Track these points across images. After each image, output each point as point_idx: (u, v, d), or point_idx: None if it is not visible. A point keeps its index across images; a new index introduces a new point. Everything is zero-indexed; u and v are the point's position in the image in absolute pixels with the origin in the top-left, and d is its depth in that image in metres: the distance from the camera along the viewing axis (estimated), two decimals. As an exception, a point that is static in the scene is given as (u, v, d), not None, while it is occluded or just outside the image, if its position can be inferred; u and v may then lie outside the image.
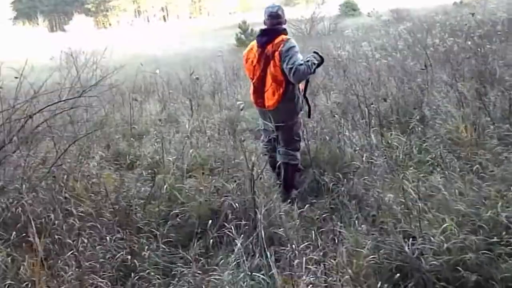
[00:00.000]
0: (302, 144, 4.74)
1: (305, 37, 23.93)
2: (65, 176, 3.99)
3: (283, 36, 4.32)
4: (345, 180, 4.22)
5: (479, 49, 7.48)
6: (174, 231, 3.79)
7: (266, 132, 4.66)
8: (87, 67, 8.15)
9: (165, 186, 4.22)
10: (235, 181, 3.97)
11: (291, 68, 4.10)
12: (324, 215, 3.95)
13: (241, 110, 4.82)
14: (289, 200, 4.23)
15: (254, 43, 4.47)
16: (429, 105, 5.87)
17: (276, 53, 4.21)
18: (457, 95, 5.56)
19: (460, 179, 3.73)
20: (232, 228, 3.34)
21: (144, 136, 6.96)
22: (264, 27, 4.47)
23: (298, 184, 4.68)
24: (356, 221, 3.49)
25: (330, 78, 8.36)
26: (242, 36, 25.22)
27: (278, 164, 4.49)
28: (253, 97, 4.54)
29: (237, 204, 3.66)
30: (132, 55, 28.36)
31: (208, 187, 4.10)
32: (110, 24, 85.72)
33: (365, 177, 4.14)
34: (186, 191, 4.22)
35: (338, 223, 3.64)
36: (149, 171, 4.95)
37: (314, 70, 4.32)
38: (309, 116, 4.85)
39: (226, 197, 3.83)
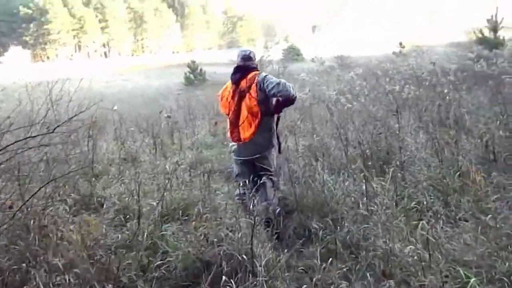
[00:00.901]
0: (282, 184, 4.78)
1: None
2: (33, 222, 3.53)
3: (255, 72, 4.59)
4: (338, 227, 4.02)
5: (440, 97, 7.71)
6: (158, 285, 3.41)
7: (241, 176, 4.67)
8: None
9: (145, 233, 3.83)
10: (227, 228, 3.64)
11: (278, 84, 4.28)
12: (321, 265, 3.73)
13: (232, 152, 4.62)
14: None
15: (228, 82, 4.69)
16: (403, 150, 5.88)
17: (253, 85, 4.44)
18: (434, 142, 5.58)
19: (459, 228, 3.63)
20: (232, 283, 3.01)
21: (103, 176, 6.50)
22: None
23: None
24: (363, 273, 3.27)
25: (295, 121, 8.29)
26: (191, 75, 25.11)
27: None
28: (229, 131, 4.68)
29: (234, 254, 3.34)
30: (75, 90, 27.59)
31: (196, 234, 3.75)
32: (48, 58, 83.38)
33: (361, 225, 3.95)
34: (168, 238, 3.85)
35: (336, 275, 3.42)
36: (121, 215, 4.54)
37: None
38: (279, 152, 4.84)
39: (219, 246, 3.50)
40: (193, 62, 25.38)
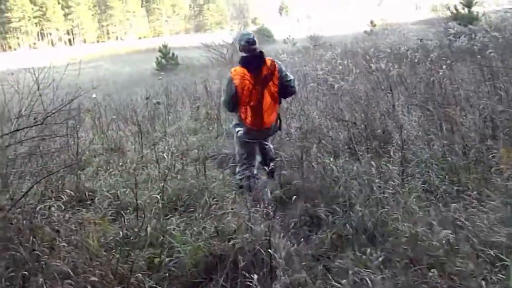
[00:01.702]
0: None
1: (227, 62, 23.82)
2: (25, 222, 3.23)
3: (270, 58, 4.70)
4: (348, 211, 3.85)
5: (428, 74, 7.60)
6: (168, 283, 3.18)
7: (250, 157, 4.89)
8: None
9: (147, 228, 3.57)
10: (240, 219, 3.42)
11: (292, 80, 4.82)
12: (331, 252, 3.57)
13: (240, 136, 4.68)
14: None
15: (242, 70, 4.53)
16: (399, 128, 5.74)
17: (276, 73, 4.60)
18: (433, 119, 5.45)
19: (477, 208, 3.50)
20: (253, 278, 2.78)
21: (89, 168, 6.18)
22: (242, 54, 4.67)
23: None
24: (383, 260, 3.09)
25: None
26: (163, 60, 24.53)
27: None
28: (251, 118, 4.64)
29: (251, 247, 3.13)
30: (41, 79, 26.60)
31: (205, 227, 3.51)
32: (9, 47, 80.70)
33: (374, 208, 3.78)
34: (173, 232, 3.60)
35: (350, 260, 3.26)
36: (118, 209, 4.26)
37: None
38: (279, 129, 5.12)
39: (231, 239, 3.27)
40: (165, 46, 24.78)
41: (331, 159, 5.08)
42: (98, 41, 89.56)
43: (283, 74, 4.67)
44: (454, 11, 16.09)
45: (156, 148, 6.69)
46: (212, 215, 3.90)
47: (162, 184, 4.46)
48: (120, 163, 6.03)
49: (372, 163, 4.41)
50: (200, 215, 3.85)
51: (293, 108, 7.41)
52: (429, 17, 36.98)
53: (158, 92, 12.94)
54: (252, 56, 4.55)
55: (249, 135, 4.73)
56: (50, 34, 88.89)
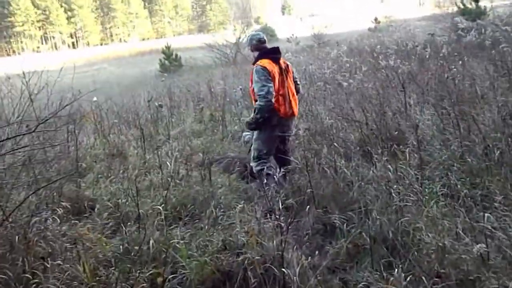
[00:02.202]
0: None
1: (231, 62, 23.59)
2: (18, 237, 2.98)
3: None
4: (365, 219, 3.58)
5: (439, 70, 7.33)
6: (172, 302, 2.93)
7: (269, 153, 4.95)
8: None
9: (150, 241, 3.32)
10: (249, 232, 3.16)
11: (298, 78, 5.37)
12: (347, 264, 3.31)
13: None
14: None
15: (268, 60, 4.72)
16: (414, 128, 5.47)
17: (290, 66, 5.06)
18: (449, 118, 5.18)
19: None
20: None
21: (89, 175, 5.94)
22: (255, 53, 4.96)
23: None
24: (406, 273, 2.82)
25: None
26: (166, 61, 24.29)
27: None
28: (284, 108, 4.80)
29: (263, 263, 2.87)
30: (44, 83, 26.39)
31: (211, 240, 3.26)
32: (13, 51, 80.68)
33: (393, 215, 3.51)
34: (178, 246, 3.35)
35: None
36: (117, 220, 4.02)
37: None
38: None
39: (241, 254, 3.01)
40: (168, 47, 24.52)
41: (343, 161, 4.81)
42: (101, 44, 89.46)
43: (293, 70, 5.10)
44: (462, 6, 15.74)
45: (159, 152, 6.45)
46: (219, 226, 3.64)
47: (166, 192, 4.20)
48: (122, 170, 5.79)
49: (389, 166, 4.12)
50: (206, 226, 3.59)
51: (300, 108, 7.15)
52: (434, 13, 36.61)
53: (162, 94, 12.71)
54: (270, 48, 4.93)
55: (279, 127, 4.84)
56: (54, 37, 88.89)
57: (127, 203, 4.40)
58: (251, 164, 5.03)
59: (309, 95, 7.53)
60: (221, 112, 8.66)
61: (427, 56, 8.52)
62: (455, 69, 6.70)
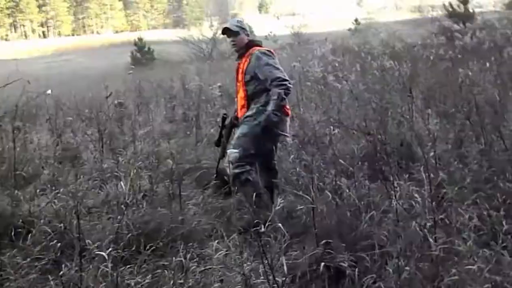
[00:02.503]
0: None
1: (207, 57, 22.58)
2: None
3: None
4: (385, 264, 2.70)
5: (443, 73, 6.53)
6: None
7: (260, 153, 4.08)
8: None
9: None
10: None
11: None
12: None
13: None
14: None
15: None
16: (423, 140, 4.63)
17: None
18: (468, 129, 4.35)
19: None
20: None
21: (32, 184, 4.90)
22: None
23: None
24: None
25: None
26: (138, 54, 23.10)
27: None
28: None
29: None
30: (6, 73, 24.78)
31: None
32: (-19, 39, 77.66)
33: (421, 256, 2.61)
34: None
35: None
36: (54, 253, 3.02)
37: None
38: None
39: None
40: (140, 39, 23.34)
41: (343, 179, 3.90)
42: (73, 34, 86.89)
43: None
44: (450, 9, 15.14)
45: (120, 157, 5.44)
46: (190, 272, 2.69)
47: (120, 217, 3.22)
48: (72, 179, 4.78)
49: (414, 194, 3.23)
50: (172, 271, 2.63)
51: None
52: (414, 17, 36.39)
53: (130, 89, 11.64)
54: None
55: (283, 126, 4.12)
56: (24, 26, 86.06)
57: (69, 229, 3.40)
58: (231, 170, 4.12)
59: (298, 97, 6.61)
60: (196, 111, 7.70)
61: (431, 58, 7.69)
62: (462, 72, 5.87)
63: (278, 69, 3.94)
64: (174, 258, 2.84)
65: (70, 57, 38.24)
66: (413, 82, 6.23)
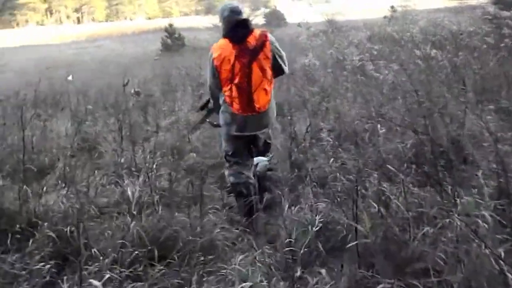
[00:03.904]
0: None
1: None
2: None
3: (261, 29, 3.85)
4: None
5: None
6: None
7: (237, 155, 3.85)
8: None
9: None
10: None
11: (284, 56, 3.85)
12: None
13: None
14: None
15: (225, 41, 3.73)
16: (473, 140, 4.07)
17: (267, 43, 3.68)
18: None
19: None
20: None
21: (46, 178, 4.56)
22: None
23: None
24: None
25: (308, 96, 6.36)
26: (169, 40, 22.77)
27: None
28: (238, 102, 3.71)
29: None
30: (38, 58, 24.88)
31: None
32: (17, 24, 78.88)
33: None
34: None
35: None
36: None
37: None
38: None
39: None
40: (171, 25, 23.00)
41: (385, 184, 3.37)
42: (106, 20, 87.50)
43: (275, 46, 3.76)
44: (495, -5, 14.15)
45: (140, 150, 5.06)
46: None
47: (129, 225, 2.80)
48: (88, 173, 4.41)
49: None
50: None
51: (323, 102, 5.72)
52: (452, 4, 34.93)
53: (158, 76, 11.27)
54: (235, 24, 3.73)
55: (236, 126, 3.75)
56: (59, 11, 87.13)
57: (75, 235, 3.01)
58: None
59: (333, 87, 6.06)
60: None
61: (483, 47, 7.00)
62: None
63: (209, 75, 3.84)
64: (192, 275, 2.42)
65: (102, 43, 38.30)
66: (461, 73, 5.60)
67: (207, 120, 4.30)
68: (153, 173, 4.00)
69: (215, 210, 3.58)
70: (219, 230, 3.15)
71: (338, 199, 3.20)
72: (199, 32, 27.70)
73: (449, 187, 3.08)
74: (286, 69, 3.89)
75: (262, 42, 3.67)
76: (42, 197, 3.65)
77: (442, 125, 4.46)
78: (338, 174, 3.63)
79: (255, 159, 3.93)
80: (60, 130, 6.20)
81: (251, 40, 3.66)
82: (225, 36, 3.75)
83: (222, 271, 2.78)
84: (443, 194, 2.99)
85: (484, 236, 2.38)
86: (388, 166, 3.43)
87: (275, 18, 38.38)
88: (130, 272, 2.65)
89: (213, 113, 4.13)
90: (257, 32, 3.73)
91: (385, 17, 31.78)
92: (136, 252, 2.79)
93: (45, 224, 3.14)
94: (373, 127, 4.66)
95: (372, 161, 3.79)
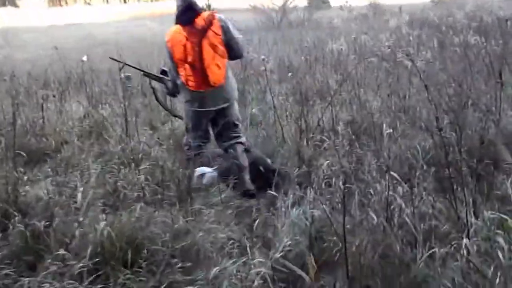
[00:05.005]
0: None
1: (274, 27, 21.56)
2: None
3: (210, 12, 4.21)
4: None
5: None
6: None
7: (198, 129, 4.18)
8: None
9: None
10: None
11: (238, 38, 4.10)
12: None
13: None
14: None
15: (176, 26, 4.08)
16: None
17: (215, 22, 3.96)
18: None
19: None
20: None
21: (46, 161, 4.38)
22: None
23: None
24: None
25: (329, 83, 5.94)
26: (204, 21, 22.45)
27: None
28: (192, 80, 4.01)
29: None
30: (80, 36, 25.10)
31: None
32: (66, 2, 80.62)
33: None
34: None
35: None
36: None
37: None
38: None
39: None
40: (208, 6, 22.63)
41: (400, 188, 2.95)
42: (151, 0, 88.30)
43: (225, 25, 4.00)
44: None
45: (144, 137, 4.82)
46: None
47: (101, 223, 2.54)
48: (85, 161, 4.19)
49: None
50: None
51: (343, 92, 5.29)
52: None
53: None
54: (182, 9, 4.04)
55: (195, 102, 4.06)
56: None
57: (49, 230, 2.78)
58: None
59: (356, 73, 5.60)
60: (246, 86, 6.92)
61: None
62: None
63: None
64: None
65: (143, 22, 38.43)
66: (503, 64, 5.03)
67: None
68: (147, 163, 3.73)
69: (209, 208, 3.26)
70: (202, 233, 2.82)
71: (339, 205, 2.82)
72: (238, 14, 27.30)
73: (470, 198, 2.65)
74: (241, 52, 4.17)
75: (209, 21, 3.95)
76: (26, 186, 3.42)
77: (473, 122, 3.99)
78: (342, 174, 3.24)
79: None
80: (73, 112, 6.03)
81: (199, 21, 3.96)
82: (176, 21, 4.06)
83: (200, 281, 2.49)
84: (458, 207, 2.56)
85: (499, 268, 1.97)
86: (398, 165, 3.01)
87: (318, 1, 37.54)
88: (94, 279, 2.39)
89: (163, 82, 4.37)
90: (205, 14, 4.05)
91: (432, 0, 30.45)
92: (105, 255, 2.52)
93: (17, 217, 2.90)
94: (396, 121, 4.23)
95: (386, 161, 3.38)
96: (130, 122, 4.73)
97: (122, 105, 4.81)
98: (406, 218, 2.56)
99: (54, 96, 6.31)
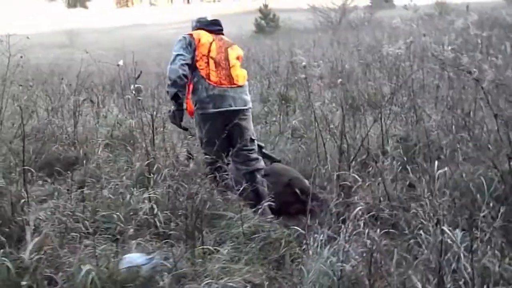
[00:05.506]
0: None
1: (334, 27, 20.86)
2: None
3: None
4: None
5: None
6: None
7: (214, 137, 3.62)
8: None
9: None
10: None
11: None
12: None
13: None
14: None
15: (202, 32, 3.87)
16: None
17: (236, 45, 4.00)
18: None
19: None
20: None
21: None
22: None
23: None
24: None
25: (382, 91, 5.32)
26: (262, 21, 22.11)
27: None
28: (215, 75, 3.74)
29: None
30: (138, 38, 25.56)
31: None
32: (132, 3, 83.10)
33: None
34: None
35: None
36: None
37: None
38: None
39: None
40: (266, 6, 22.31)
41: (456, 231, 2.34)
42: (214, 1, 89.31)
43: (242, 55, 4.07)
44: None
45: (181, 145, 4.45)
46: None
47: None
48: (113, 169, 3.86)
49: None
50: None
51: (397, 102, 4.66)
52: None
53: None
54: (210, 22, 4.02)
55: (211, 102, 3.65)
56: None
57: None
58: None
59: (413, 81, 4.94)
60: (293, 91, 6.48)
61: None
62: None
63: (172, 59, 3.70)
64: None
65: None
66: None
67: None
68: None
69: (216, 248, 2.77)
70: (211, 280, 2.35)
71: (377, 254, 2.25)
72: (296, 13, 26.76)
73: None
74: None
75: (232, 43, 3.95)
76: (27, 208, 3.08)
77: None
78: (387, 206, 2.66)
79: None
80: (108, 119, 5.76)
81: (225, 38, 3.96)
82: (199, 28, 3.91)
83: None
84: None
85: None
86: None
87: (380, 0, 36.39)
88: None
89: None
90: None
91: (508, -1, 28.54)
92: None
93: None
94: (456, 141, 3.58)
95: (440, 193, 2.76)
96: (158, 133, 4.36)
97: (149, 114, 4.43)
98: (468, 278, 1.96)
99: (91, 101, 6.11)
